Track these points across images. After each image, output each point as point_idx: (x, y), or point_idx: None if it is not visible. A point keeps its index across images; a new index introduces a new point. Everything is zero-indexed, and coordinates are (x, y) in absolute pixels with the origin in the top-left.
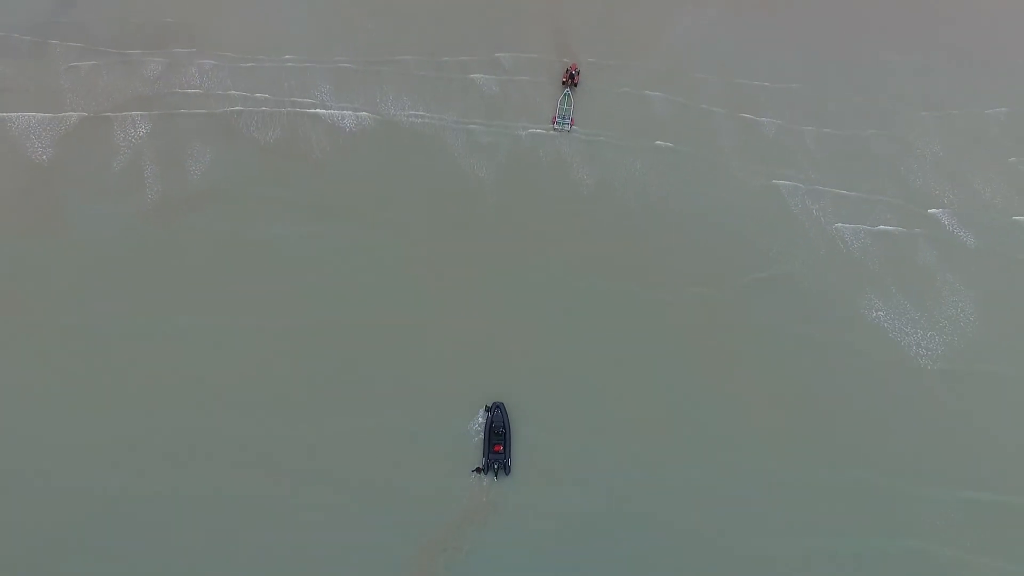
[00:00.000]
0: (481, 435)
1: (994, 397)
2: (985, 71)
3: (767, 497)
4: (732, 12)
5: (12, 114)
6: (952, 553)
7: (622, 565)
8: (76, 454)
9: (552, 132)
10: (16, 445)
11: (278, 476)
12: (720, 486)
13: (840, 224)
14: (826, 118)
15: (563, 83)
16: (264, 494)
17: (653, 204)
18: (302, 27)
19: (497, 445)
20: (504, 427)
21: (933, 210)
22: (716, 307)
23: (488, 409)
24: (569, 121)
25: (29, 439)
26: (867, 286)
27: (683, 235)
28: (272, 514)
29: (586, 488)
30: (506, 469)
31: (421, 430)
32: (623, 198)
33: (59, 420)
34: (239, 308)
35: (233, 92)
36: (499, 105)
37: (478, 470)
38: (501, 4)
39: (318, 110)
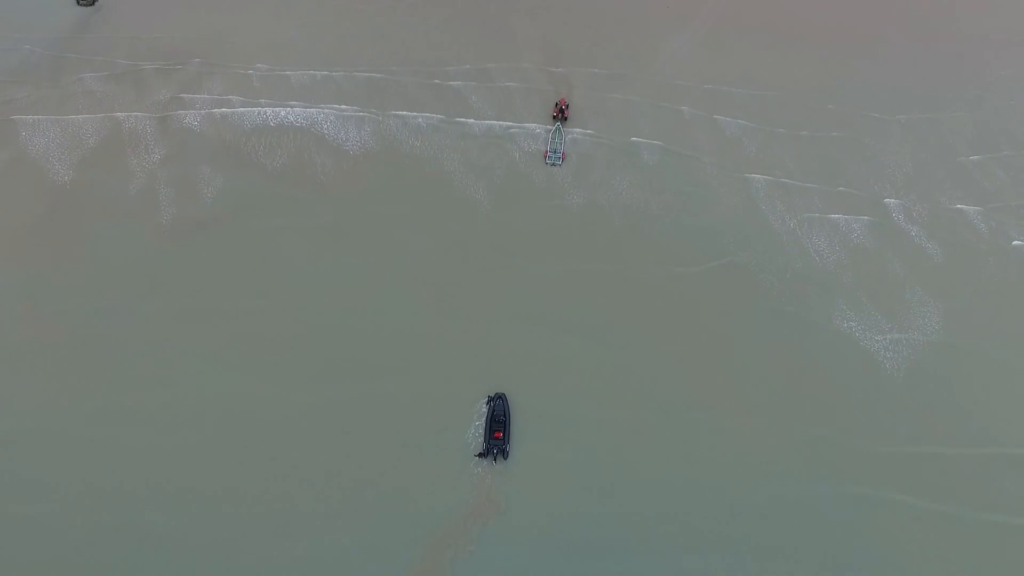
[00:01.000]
0: (483, 423)
1: (937, 363)
2: (948, 79)
3: (744, 452)
4: (715, 27)
5: (25, 133)
6: (898, 497)
7: (623, 561)
8: (87, 459)
9: (547, 163)
10: (31, 451)
11: (282, 476)
12: (708, 458)
13: (806, 214)
14: (797, 121)
15: (553, 117)
16: (269, 493)
17: (636, 196)
18: (307, 45)
19: (497, 432)
20: (505, 416)
21: (889, 199)
22: (693, 286)
23: (491, 399)
24: (560, 155)
25: (43, 446)
26: (827, 266)
27: (665, 225)
28: (276, 514)
29: (583, 477)
30: (504, 454)
31: (424, 430)
32: (608, 191)
33: (69, 428)
34: (245, 315)
35: (239, 104)
36: (491, 105)
37: (480, 455)
38: (494, 20)
39: (327, 108)
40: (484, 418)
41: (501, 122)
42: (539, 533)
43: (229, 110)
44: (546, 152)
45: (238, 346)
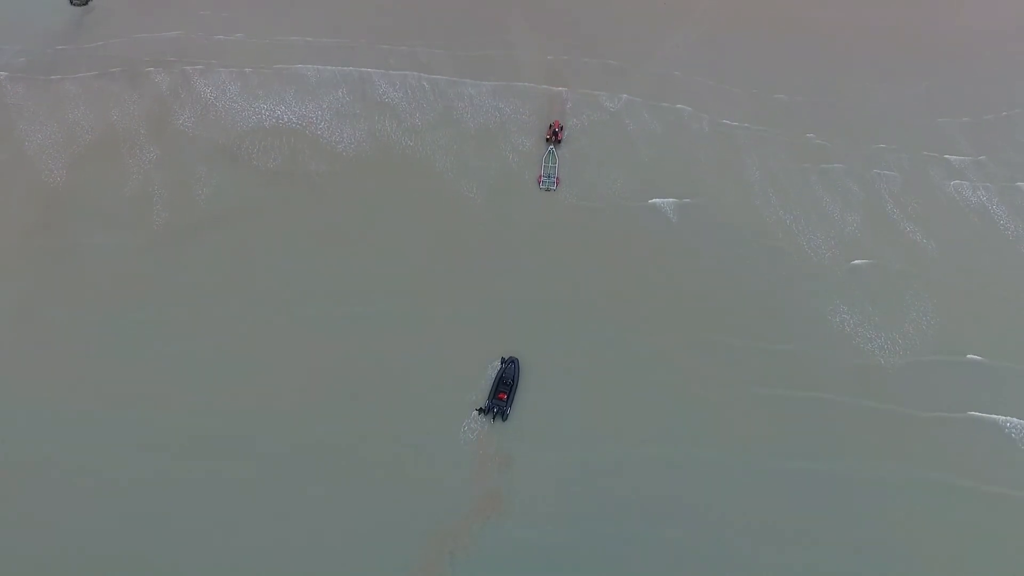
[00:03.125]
0: (492, 381)
1: (876, 286)
2: (932, 55)
3: (720, 370)
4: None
5: (18, 132)
6: (845, 400)
7: (623, 559)
8: (89, 456)
9: (541, 187)
10: (33, 449)
11: (284, 474)
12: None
13: (788, 166)
14: (783, 85)
15: (547, 140)
16: (271, 490)
17: (623, 152)
18: (304, 39)
19: (502, 393)
20: (513, 379)
21: (867, 149)
22: (673, 231)
23: (504, 361)
24: (555, 180)
25: (44, 443)
26: (792, 207)
27: (648, 172)
28: (278, 511)
29: (579, 456)
30: (504, 416)
31: (426, 429)
32: (600, 147)
33: (69, 428)
34: (250, 296)
35: (234, 99)
36: (481, 71)
37: (480, 411)
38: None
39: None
40: (493, 377)
41: (484, 80)
42: (541, 543)
43: (223, 106)
44: (540, 177)
45: (237, 345)
